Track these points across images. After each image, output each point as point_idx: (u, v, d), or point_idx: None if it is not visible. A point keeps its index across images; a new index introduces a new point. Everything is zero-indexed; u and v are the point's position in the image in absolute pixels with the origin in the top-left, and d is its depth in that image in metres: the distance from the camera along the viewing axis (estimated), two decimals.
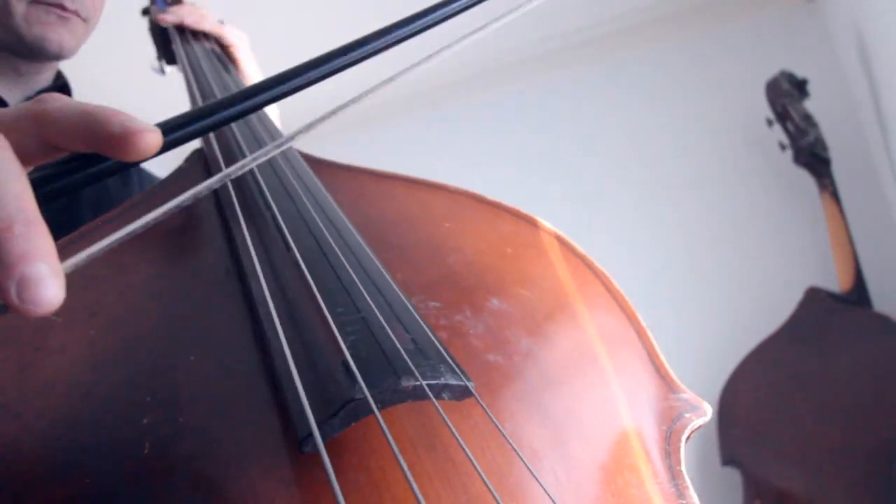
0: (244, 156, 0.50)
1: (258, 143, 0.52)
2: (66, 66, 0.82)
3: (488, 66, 2.24)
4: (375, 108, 2.33)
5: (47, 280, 0.21)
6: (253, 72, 0.82)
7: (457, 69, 2.24)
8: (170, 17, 0.80)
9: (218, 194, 0.46)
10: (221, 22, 0.82)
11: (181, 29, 0.80)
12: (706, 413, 0.35)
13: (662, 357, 0.39)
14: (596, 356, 0.38)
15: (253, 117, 0.60)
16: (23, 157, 0.25)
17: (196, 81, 0.68)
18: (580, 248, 0.44)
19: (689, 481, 0.32)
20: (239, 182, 0.47)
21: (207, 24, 0.80)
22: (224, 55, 0.80)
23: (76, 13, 0.69)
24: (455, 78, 2.27)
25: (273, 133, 0.57)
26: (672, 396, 0.36)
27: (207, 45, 0.79)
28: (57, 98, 0.28)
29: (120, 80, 1.82)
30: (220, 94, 0.64)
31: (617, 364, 0.38)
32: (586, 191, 2.02)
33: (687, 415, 0.35)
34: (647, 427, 0.35)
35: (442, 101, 2.31)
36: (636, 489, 0.31)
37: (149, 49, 0.90)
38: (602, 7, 2.08)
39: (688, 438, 0.34)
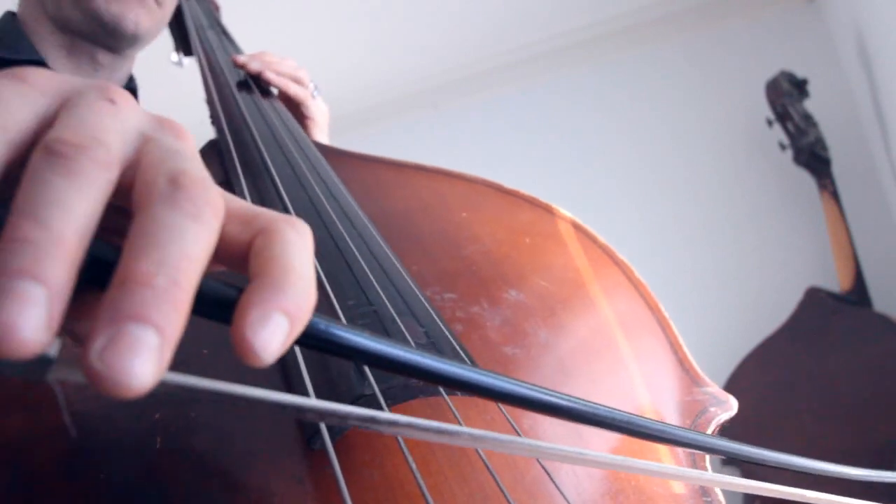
0: (257, 146, 0.49)
1: (272, 134, 0.51)
2: None
3: (488, 66, 2.24)
4: (376, 108, 2.32)
5: (150, 353, 0.16)
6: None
7: (457, 69, 2.24)
8: (253, 65, 0.69)
9: (231, 184, 0.46)
10: (315, 91, 0.74)
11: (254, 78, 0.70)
12: (732, 407, 0.35)
13: (686, 349, 0.38)
14: (616, 348, 0.38)
15: (265, 105, 0.59)
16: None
17: (212, 75, 0.68)
18: (601, 238, 0.43)
19: None
20: (251, 171, 0.46)
21: (294, 89, 0.70)
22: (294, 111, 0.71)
23: None
24: (455, 78, 2.26)
25: (292, 129, 0.56)
26: (696, 390, 0.36)
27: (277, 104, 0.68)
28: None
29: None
30: (234, 87, 0.63)
31: (638, 356, 0.37)
32: (585, 191, 2.02)
33: (712, 409, 0.34)
34: (670, 422, 0.34)
35: (442, 102, 2.30)
36: (659, 486, 0.31)
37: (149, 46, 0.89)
38: (602, 7, 2.08)
39: (712, 434, 0.33)
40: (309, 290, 0.20)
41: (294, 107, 0.71)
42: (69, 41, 0.71)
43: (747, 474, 1.50)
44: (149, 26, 0.70)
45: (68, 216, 0.17)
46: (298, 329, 0.19)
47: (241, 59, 0.69)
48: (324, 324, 0.20)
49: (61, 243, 0.16)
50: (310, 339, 0.20)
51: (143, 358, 0.16)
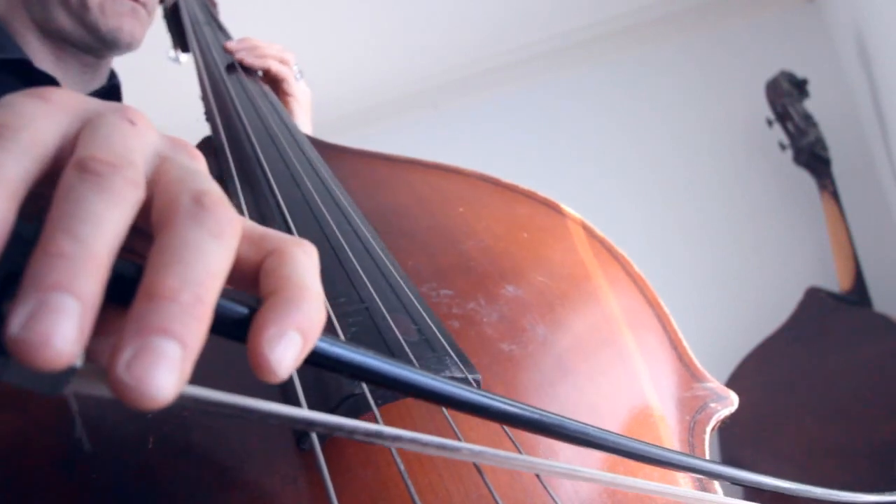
0: (251, 143, 0.49)
1: (266, 131, 0.51)
2: None
3: (488, 66, 2.24)
4: (376, 108, 2.32)
5: (174, 366, 0.16)
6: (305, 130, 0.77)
7: (457, 69, 2.24)
8: (240, 52, 0.72)
9: (226, 182, 0.45)
10: (299, 74, 0.76)
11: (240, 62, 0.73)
12: (733, 403, 0.34)
13: (686, 344, 0.38)
14: (615, 344, 0.37)
15: (260, 101, 0.59)
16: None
17: (207, 71, 0.68)
18: (599, 232, 0.43)
19: None
20: (245, 168, 0.46)
21: (276, 67, 0.73)
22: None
23: (144, 4, 0.71)
24: (455, 78, 2.26)
25: (287, 124, 0.56)
26: (696, 385, 0.35)
27: (258, 84, 0.70)
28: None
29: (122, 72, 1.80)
30: (230, 85, 0.63)
31: (637, 352, 0.37)
32: (585, 191, 2.02)
33: (712, 404, 0.34)
34: (670, 418, 0.34)
35: (442, 102, 2.30)
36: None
37: (145, 43, 0.89)
38: (602, 7, 2.08)
39: (713, 430, 0.33)
40: (320, 307, 0.20)
41: (276, 84, 0.73)
42: (56, 46, 0.71)
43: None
44: (141, 35, 0.72)
45: (101, 232, 0.17)
46: (310, 345, 0.20)
47: (230, 44, 0.72)
48: (327, 342, 0.21)
49: (94, 258, 0.17)
50: (320, 359, 0.21)
51: (168, 370, 0.16)
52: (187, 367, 0.17)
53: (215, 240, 0.19)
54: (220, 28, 0.80)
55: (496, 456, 0.22)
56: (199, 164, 0.24)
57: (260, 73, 0.73)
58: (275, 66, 0.72)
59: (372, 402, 0.29)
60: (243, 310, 0.19)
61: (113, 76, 0.81)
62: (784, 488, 0.28)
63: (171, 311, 0.17)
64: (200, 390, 0.18)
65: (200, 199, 0.20)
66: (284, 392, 0.31)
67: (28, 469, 0.28)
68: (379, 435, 0.20)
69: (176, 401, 0.17)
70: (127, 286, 0.18)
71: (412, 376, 0.22)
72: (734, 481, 0.28)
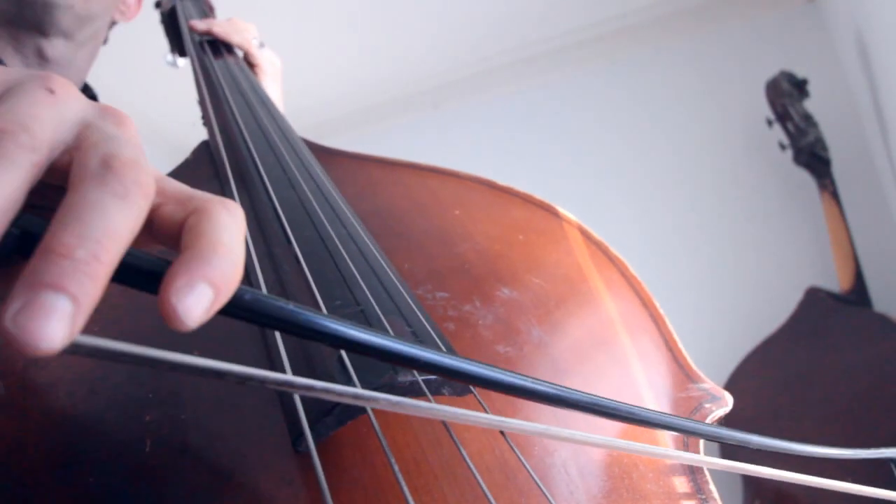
0: (248, 147, 0.49)
1: (263, 134, 0.51)
2: None
3: (488, 66, 2.24)
4: (376, 108, 2.32)
5: (62, 319, 0.17)
6: (275, 100, 0.78)
7: (457, 69, 2.24)
8: (200, 25, 0.78)
9: (222, 185, 0.45)
10: (261, 45, 0.80)
11: (211, 40, 0.78)
12: (727, 403, 0.34)
13: (681, 345, 0.38)
14: (610, 345, 0.37)
15: (256, 104, 0.59)
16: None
17: (203, 75, 0.68)
18: (595, 234, 0.43)
19: (709, 476, 0.31)
20: (240, 171, 0.46)
21: (237, 38, 0.78)
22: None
23: None
24: (455, 78, 2.26)
25: (282, 128, 0.56)
26: (691, 386, 0.35)
27: (232, 59, 0.76)
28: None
29: (122, 77, 1.81)
30: (227, 89, 0.63)
31: (632, 353, 0.37)
32: (585, 191, 2.02)
33: (707, 405, 0.34)
34: None
35: (442, 102, 2.30)
36: (652, 484, 0.30)
37: (144, 47, 0.89)
38: (602, 7, 2.08)
39: None
40: (235, 263, 0.21)
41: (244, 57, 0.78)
42: (10, 35, 0.67)
43: (749, 479, 1.50)
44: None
45: None
46: (223, 299, 0.20)
47: (197, 24, 0.77)
48: (250, 294, 0.22)
49: None
50: (237, 310, 0.21)
51: (54, 323, 0.17)
52: (79, 321, 0.17)
53: (119, 200, 0.20)
54: (233, 54, 0.81)
55: (462, 414, 0.24)
56: (124, 129, 0.24)
57: (240, 54, 0.77)
58: (235, 38, 0.77)
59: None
60: (156, 263, 0.20)
61: (86, 89, 0.77)
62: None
63: (64, 268, 0.17)
64: (98, 340, 0.18)
65: (108, 161, 0.21)
66: (282, 392, 0.31)
67: (25, 472, 0.28)
68: (358, 396, 0.22)
69: (69, 349, 0.18)
70: (34, 242, 0.18)
71: (340, 327, 0.23)
72: (710, 438, 0.29)
